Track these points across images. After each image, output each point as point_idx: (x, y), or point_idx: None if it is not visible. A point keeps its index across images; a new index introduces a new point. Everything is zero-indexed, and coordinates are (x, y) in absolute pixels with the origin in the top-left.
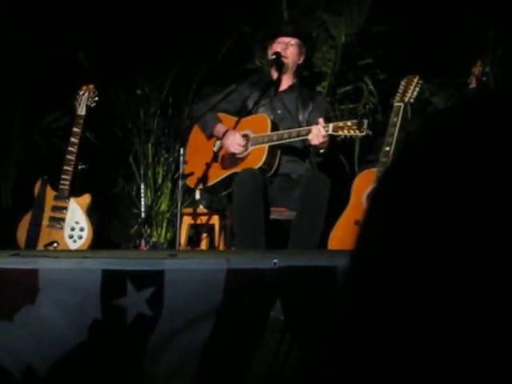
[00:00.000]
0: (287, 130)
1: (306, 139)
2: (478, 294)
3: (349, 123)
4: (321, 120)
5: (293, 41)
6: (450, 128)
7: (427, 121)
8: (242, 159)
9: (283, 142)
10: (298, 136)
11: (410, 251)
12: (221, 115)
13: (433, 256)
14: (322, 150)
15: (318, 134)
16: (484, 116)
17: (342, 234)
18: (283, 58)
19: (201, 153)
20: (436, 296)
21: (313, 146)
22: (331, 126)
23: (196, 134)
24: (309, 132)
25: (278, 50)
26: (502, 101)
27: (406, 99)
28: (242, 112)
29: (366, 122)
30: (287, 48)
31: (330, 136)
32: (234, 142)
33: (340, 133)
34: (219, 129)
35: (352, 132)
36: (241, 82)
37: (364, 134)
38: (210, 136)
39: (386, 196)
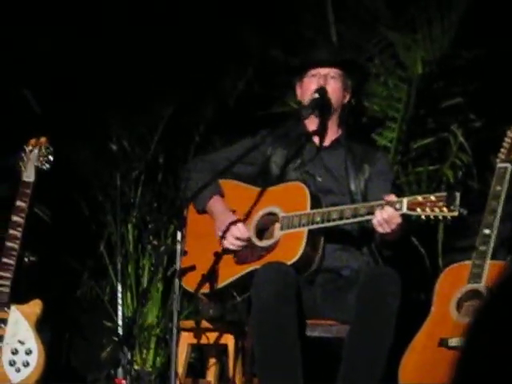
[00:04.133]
0: (337, 208)
1: (367, 221)
2: None
3: (432, 198)
4: (392, 196)
5: (332, 72)
6: None
7: None
8: (268, 250)
9: (331, 225)
10: (354, 217)
11: None
12: (226, 183)
13: None
14: (389, 238)
15: (386, 216)
16: None
17: (420, 360)
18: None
19: (203, 239)
20: None
21: (381, 234)
22: (405, 201)
23: (194, 210)
24: (371, 211)
25: (313, 87)
26: None
27: None
28: (259, 179)
29: (458, 195)
30: (326, 83)
31: (404, 217)
32: (230, 235)
33: (419, 212)
34: (215, 207)
35: (437, 211)
36: (259, 136)
37: (456, 214)
38: (202, 211)
39: None
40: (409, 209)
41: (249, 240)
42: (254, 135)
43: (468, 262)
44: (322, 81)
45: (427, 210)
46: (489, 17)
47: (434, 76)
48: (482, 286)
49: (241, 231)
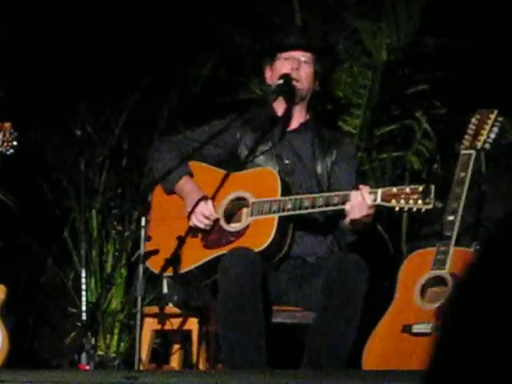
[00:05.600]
0: (309, 196)
1: (339, 210)
2: None
3: (407, 190)
4: (366, 187)
5: (305, 56)
6: None
7: None
8: (237, 235)
9: (302, 212)
10: (326, 205)
11: None
12: (194, 164)
13: None
14: (357, 227)
15: (360, 203)
16: None
17: (384, 347)
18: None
19: (171, 221)
20: None
21: (351, 220)
22: (380, 192)
23: (161, 192)
24: (345, 200)
25: (285, 70)
26: None
27: (479, 144)
28: (228, 163)
29: (433, 188)
30: (299, 67)
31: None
32: (199, 212)
33: (394, 203)
34: (186, 186)
35: (412, 203)
36: (228, 118)
37: (430, 206)
38: (171, 191)
39: None
40: (383, 200)
41: (217, 220)
42: (222, 118)
43: (431, 249)
44: (296, 64)
45: (402, 201)
46: (454, 4)
47: (399, 63)
48: (445, 272)
49: (209, 209)
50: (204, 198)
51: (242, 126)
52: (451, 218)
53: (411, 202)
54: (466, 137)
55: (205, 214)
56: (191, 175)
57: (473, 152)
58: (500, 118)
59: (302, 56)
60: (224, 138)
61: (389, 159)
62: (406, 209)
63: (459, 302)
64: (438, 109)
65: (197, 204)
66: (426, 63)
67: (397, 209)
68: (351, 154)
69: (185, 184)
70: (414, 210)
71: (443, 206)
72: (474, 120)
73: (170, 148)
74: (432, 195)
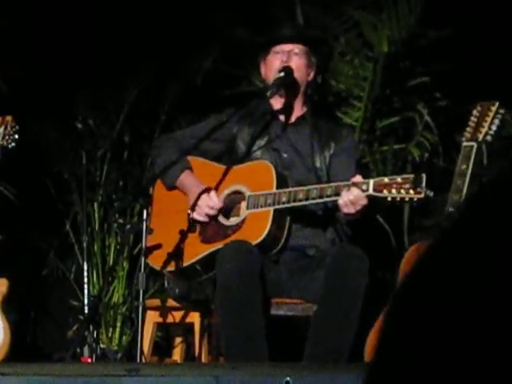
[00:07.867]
0: (303, 188)
1: (333, 201)
2: None
3: (399, 179)
4: (358, 177)
5: (297, 48)
6: None
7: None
8: (234, 229)
9: (296, 204)
10: (320, 197)
11: None
12: (193, 160)
13: None
14: (353, 217)
15: (352, 197)
16: None
17: None
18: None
19: (169, 217)
20: None
21: (345, 213)
22: (372, 183)
23: (161, 188)
24: (337, 192)
25: (277, 64)
26: None
27: (481, 136)
28: (227, 157)
29: (424, 177)
30: (289, 59)
31: (370, 198)
32: (203, 204)
33: (385, 194)
34: (187, 180)
35: (404, 193)
36: (225, 113)
37: (422, 196)
38: (172, 187)
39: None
40: (375, 190)
41: (220, 210)
42: (219, 113)
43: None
44: (285, 57)
45: (393, 191)
46: None
47: (400, 55)
48: None
49: (213, 201)
50: (206, 191)
51: (238, 121)
52: (452, 210)
53: (403, 191)
54: (468, 129)
55: (209, 205)
56: (191, 170)
57: (474, 144)
58: (501, 110)
59: (292, 48)
60: (221, 133)
61: (390, 151)
62: (398, 198)
63: (404, 297)
64: (439, 101)
65: (199, 197)
66: (427, 55)
67: (389, 199)
68: (350, 146)
69: (185, 178)
70: (406, 199)
71: (442, 198)
72: (475, 112)
73: (169, 145)
74: (423, 184)
